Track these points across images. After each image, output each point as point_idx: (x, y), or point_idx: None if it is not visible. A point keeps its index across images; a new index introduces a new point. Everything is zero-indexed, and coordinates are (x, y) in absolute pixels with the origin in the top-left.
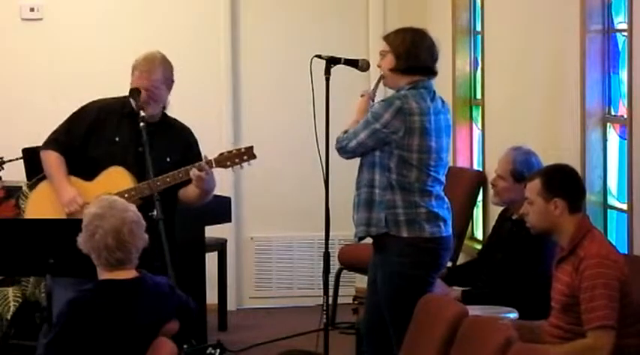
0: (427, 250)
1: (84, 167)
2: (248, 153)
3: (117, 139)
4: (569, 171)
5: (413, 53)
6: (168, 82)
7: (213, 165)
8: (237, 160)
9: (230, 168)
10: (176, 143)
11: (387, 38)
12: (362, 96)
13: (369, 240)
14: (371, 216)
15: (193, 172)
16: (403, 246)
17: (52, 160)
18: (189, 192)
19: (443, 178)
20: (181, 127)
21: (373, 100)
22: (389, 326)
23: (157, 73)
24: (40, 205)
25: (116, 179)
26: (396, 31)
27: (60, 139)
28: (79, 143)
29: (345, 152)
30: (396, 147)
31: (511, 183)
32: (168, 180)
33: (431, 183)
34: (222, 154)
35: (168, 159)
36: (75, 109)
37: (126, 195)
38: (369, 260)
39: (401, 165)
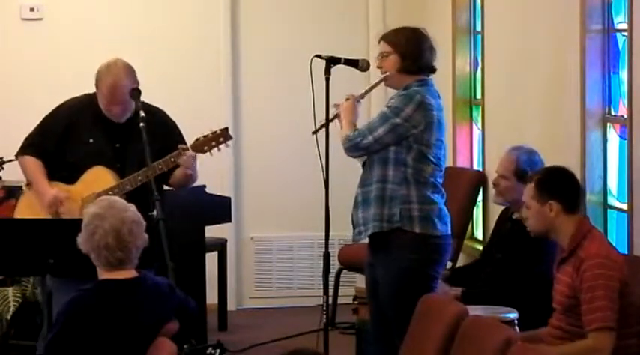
0: (436, 246)
1: (64, 172)
2: (223, 135)
3: (91, 140)
4: (564, 172)
5: (418, 52)
6: (136, 88)
7: (190, 150)
8: (213, 143)
9: (208, 153)
10: (154, 132)
11: (386, 38)
12: (347, 99)
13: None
14: (383, 212)
15: (183, 159)
16: (413, 242)
17: (30, 165)
18: (175, 178)
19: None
20: (155, 113)
21: (359, 102)
22: (392, 323)
23: (125, 82)
24: (26, 213)
25: (99, 178)
26: (395, 30)
27: (35, 144)
28: (54, 147)
29: (357, 149)
30: (414, 141)
31: (514, 182)
32: (149, 173)
33: (439, 178)
34: (197, 139)
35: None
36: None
37: (110, 194)
38: (365, 261)
39: (419, 159)
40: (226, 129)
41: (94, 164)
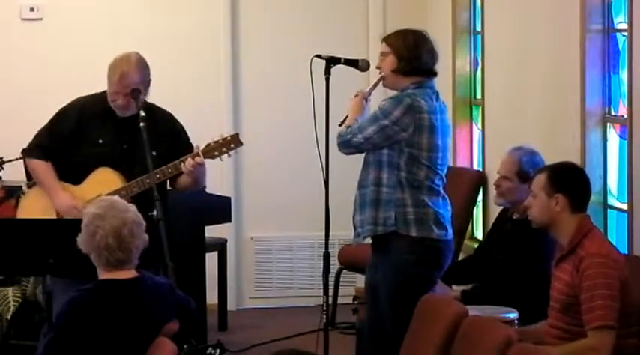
0: (433, 249)
1: (70, 171)
2: (234, 141)
3: (100, 141)
4: (577, 169)
5: (415, 55)
6: (146, 84)
7: (201, 156)
8: (224, 149)
9: (218, 158)
10: (160, 135)
11: (387, 39)
12: (355, 96)
13: (368, 239)
14: (378, 215)
15: (185, 166)
16: (410, 244)
17: (40, 168)
18: (181, 182)
19: (444, 177)
20: (162, 115)
21: (367, 100)
22: (387, 324)
23: (135, 76)
24: (30, 213)
25: (105, 180)
26: (396, 32)
27: (43, 145)
28: (62, 148)
29: (347, 146)
30: (406, 145)
31: (517, 183)
32: (158, 176)
33: (437, 182)
34: (208, 145)
35: (154, 153)
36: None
37: (116, 196)
38: (368, 262)
39: (411, 162)
40: (237, 135)
41: (100, 165)
